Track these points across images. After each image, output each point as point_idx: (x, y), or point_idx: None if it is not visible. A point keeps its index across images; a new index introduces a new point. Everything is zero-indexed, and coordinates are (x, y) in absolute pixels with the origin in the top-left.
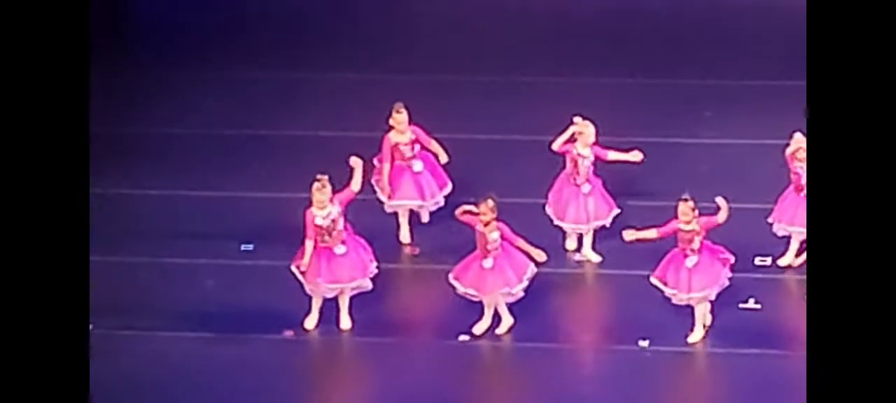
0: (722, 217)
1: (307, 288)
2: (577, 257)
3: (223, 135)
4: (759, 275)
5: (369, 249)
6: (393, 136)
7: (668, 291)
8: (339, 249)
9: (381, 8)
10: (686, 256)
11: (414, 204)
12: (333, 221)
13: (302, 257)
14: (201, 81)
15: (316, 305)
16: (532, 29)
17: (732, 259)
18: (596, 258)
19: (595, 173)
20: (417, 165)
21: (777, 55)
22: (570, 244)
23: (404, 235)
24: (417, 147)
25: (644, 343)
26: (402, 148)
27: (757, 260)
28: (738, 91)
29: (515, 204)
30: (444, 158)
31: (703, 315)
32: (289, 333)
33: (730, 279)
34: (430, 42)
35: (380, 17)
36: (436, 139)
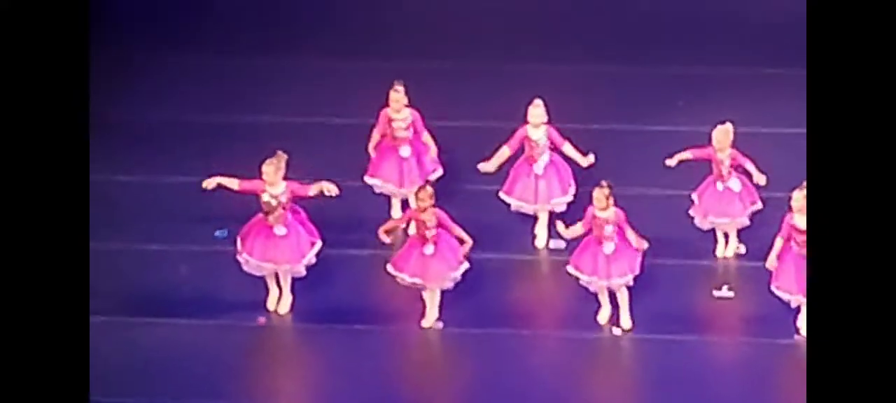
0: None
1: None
2: (551, 244)
3: (197, 121)
4: (732, 263)
5: (315, 234)
6: (389, 112)
7: (584, 279)
8: (279, 230)
9: None
10: (602, 243)
11: (390, 188)
12: (279, 203)
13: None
14: (175, 67)
15: (272, 284)
16: (507, 15)
17: (646, 245)
18: (551, 244)
19: (560, 158)
20: (405, 150)
21: (751, 43)
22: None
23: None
24: (411, 131)
25: (617, 331)
26: (394, 125)
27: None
28: (711, 79)
29: (486, 191)
30: (432, 151)
31: (625, 301)
32: (261, 320)
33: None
34: (408, 28)
35: (356, 2)
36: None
